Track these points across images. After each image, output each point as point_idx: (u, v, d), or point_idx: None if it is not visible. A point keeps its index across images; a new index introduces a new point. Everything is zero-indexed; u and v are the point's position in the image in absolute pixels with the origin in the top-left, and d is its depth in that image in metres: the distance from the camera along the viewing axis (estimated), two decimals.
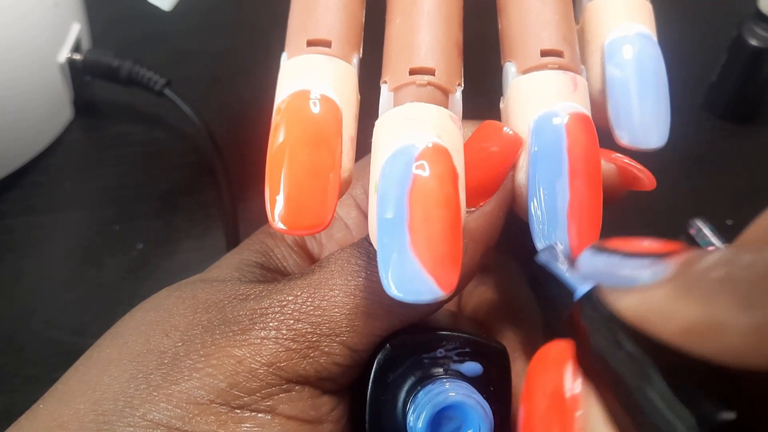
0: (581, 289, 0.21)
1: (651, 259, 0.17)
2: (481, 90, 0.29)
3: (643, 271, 0.17)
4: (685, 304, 0.15)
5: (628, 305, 0.17)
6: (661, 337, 0.16)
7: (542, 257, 0.24)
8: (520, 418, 0.20)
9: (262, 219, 0.32)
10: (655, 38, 0.28)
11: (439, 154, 0.23)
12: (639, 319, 0.17)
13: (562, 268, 0.23)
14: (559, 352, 0.20)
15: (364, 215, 0.31)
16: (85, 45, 0.48)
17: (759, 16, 0.44)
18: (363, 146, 0.26)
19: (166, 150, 0.48)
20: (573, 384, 0.19)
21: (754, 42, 0.44)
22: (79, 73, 0.47)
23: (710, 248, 0.42)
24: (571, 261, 0.23)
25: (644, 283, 0.16)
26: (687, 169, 0.45)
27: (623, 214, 0.25)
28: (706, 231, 0.41)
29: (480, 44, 0.30)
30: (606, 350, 0.18)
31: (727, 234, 0.41)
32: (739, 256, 0.15)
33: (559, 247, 0.24)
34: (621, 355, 0.18)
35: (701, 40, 0.48)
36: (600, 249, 0.19)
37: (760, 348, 0.14)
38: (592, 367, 0.19)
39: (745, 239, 0.17)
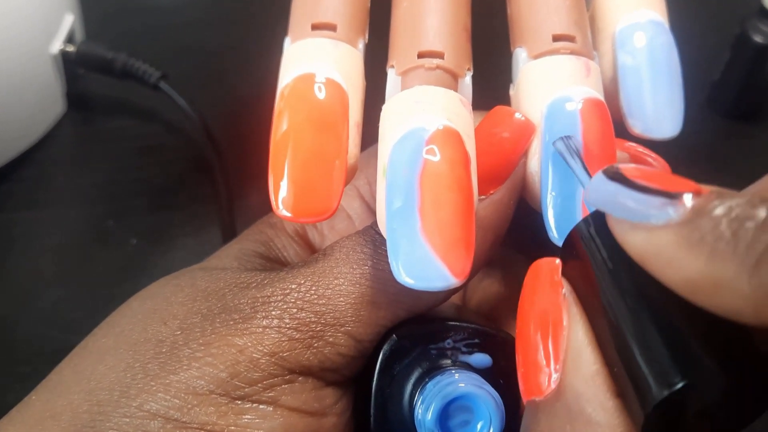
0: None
1: (663, 198, 0.17)
2: (489, 78, 0.28)
3: (653, 210, 0.17)
4: (690, 255, 0.16)
5: (634, 241, 0.17)
6: (663, 281, 0.16)
7: (558, 145, 0.24)
8: (516, 328, 0.21)
9: (260, 214, 0.32)
10: (667, 25, 0.28)
11: (450, 137, 0.22)
12: (643, 258, 0.17)
13: (575, 161, 0.23)
14: (549, 267, 0.21)
15: (368, 206, 0.30)
16: (79, 37, 0.47)
17: (763, 13, 0.43)
18: (368, 136, 0.25)
19: (161, 144, 0.47)
20: (560, 298, 0.20)
21: (758, 39, 0.44)
22: (72, 65, 0.46)
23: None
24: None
25: (653, 222, 0.17)
26: (690, 168, 0.45)
27: None
28: None
29: (487, 32, 0.30)
30: (602, 278, 0.18)
31: None
32: (748, 212, 0.15)
33: (577, 140, 0.24)
34: (615, 287, 0.18)
35: (704, 37, 0.47)
36: (613, 175, 0.18)
37: (761, 310, 0.14)
38: (585, 290, 0.19)
39: (759, 189, 0.18)
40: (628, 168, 0.18)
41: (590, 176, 0.22)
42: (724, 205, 0.16)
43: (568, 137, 0.24)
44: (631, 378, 0.17)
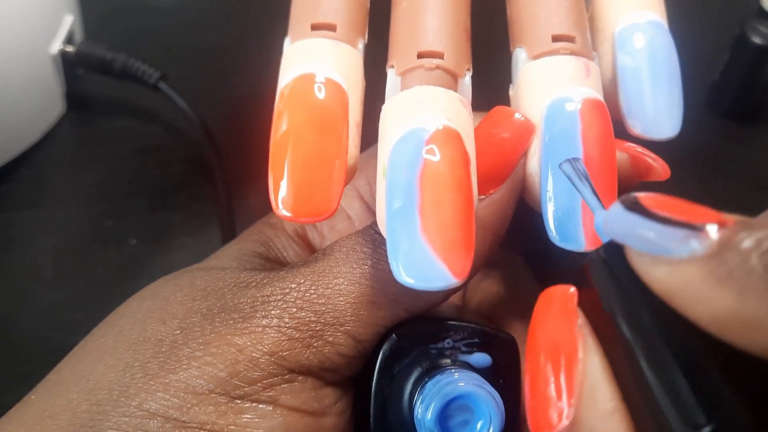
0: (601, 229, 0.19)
1: (686, 231, 0.16)
2: (488, 79, 0.28)
3: (676, 243, 0.16)
4: (719, 291, 0.15)
5: (657, 276, 0.16)
6: (689, 317, 0.16)
7: (565, 168, 0.23)
8: (525, 357, 0.20)
9: (259, 214, 0.32)
10: (666, 26, 0.28)
11: (450, 137, 0.22)
12: (667, 294, 0.16)
13: (584, 186, 0.22)
14: (564, 296, 0.20)
15: (367, 207, 0.30)
16: (78, 37, 0.47)
17: (762, 14, 0.43)
18: (367, 136, 0.25)
19: (161, 145, 0.47)
20: (575, 329, 0.19)
21: (757, 40, 0.44)
22: (71, 65, 0.46)
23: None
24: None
25: (677, 256, 0.16)
26: (689, 168, 0.45)
27: None
28: None
29: (487, 32, 0.30)
30: (620, 311, 0.18)
31: None
32: None
33: (582, 164, 0.23)
34: (635, 322, 0.17)
35: (704, 38, 0.47)
36: (632, 206, 0.17)
37: None
38: (599, 321, 0.19)
39: None
40: (647, 197, 0.17)
41: (600, 201, 0.21)
42: (752, 237, 0.15)
43: (575, 159, 0.23)
44: (652, 417, 0.16)
